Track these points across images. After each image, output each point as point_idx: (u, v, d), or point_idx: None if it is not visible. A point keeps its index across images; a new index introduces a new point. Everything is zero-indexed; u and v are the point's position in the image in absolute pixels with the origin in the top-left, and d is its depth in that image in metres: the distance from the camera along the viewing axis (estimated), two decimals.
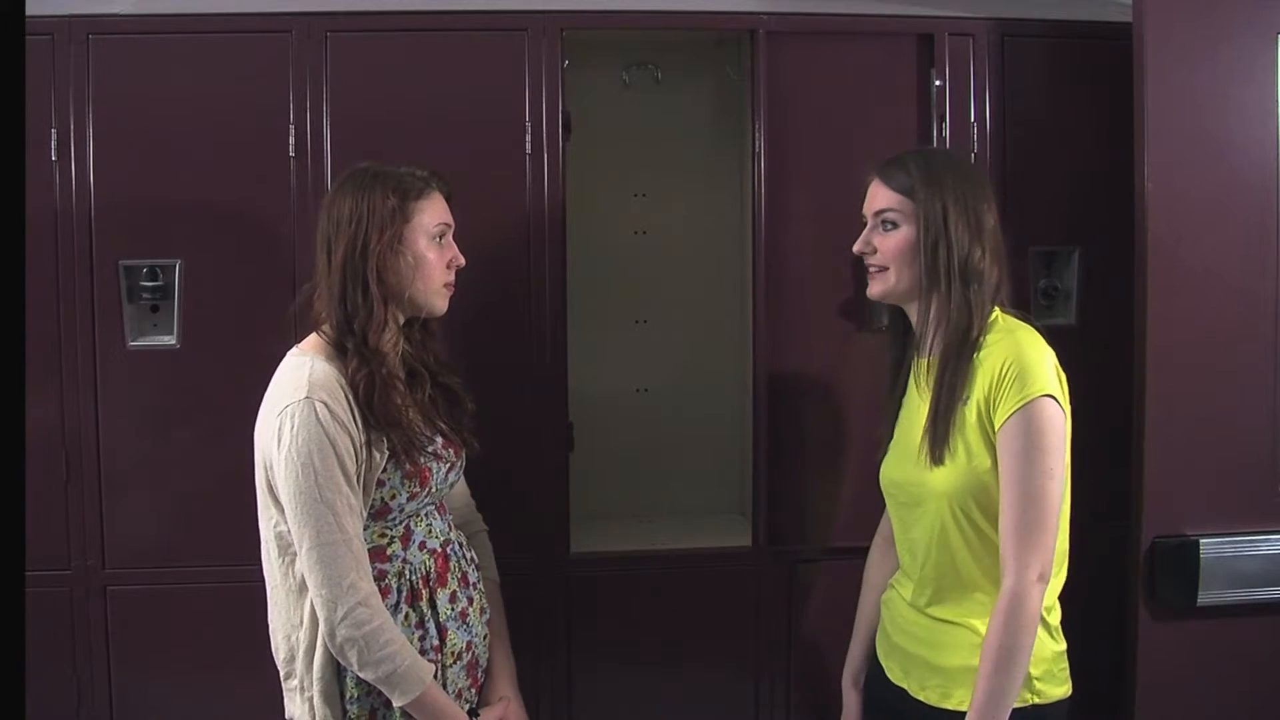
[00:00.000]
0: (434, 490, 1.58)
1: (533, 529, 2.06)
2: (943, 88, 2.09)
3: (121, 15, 1.98)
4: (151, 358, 2.00)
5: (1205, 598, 1.90)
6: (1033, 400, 1.37)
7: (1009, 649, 1.36)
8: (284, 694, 1.55)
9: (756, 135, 2.08)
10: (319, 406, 1.42)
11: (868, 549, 2.12)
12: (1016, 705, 1.39)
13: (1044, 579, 1.37)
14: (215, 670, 2.03)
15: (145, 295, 1.99)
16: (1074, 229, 2.12)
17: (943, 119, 2.09)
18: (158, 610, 2.03)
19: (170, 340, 2.00)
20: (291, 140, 1.99)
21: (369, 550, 1.49)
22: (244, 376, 1.95)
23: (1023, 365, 1.39)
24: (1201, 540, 1.90)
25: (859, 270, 2.10)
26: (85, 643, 2.02)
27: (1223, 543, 1.91)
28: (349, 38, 2.00)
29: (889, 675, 1.58)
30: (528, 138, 2.02)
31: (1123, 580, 1.94)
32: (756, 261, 2.09)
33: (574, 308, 2.09)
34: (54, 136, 1.96)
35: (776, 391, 2.11)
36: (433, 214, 1.56)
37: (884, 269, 1.53)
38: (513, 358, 2.03)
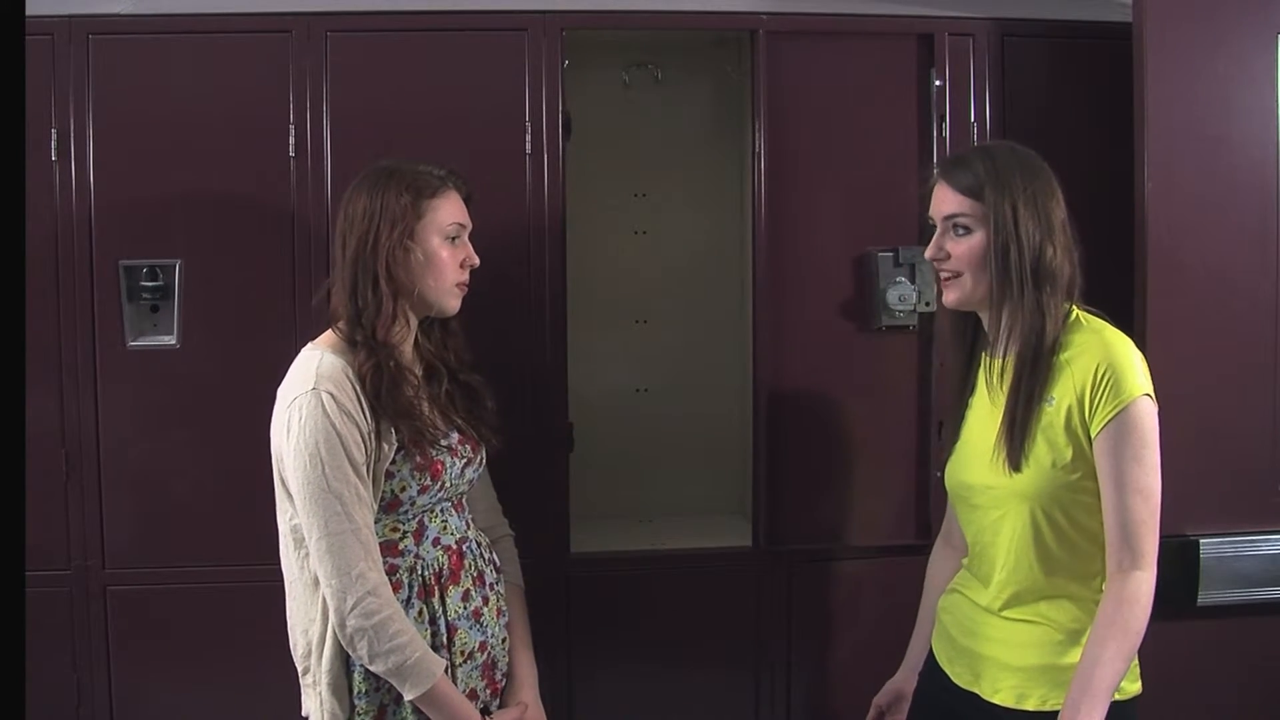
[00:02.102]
0: (448, 485, 1.57)
1: (533, 529, 2.05)
2: (943, 88, 2.09)
3: (121, 15, 1.98)
4: (151, 358, 2.00)
5: (1205, 598, 1.91)
6: (1132, 402, 1.37)
7: (1126, 630, 1.34)
8: (301, 690, 1.55)
9: (756, 135, 2.08)
10: (325, 398, 1.43)
11: (867, 549, 2.14)
12: None
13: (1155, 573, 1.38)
14: (215, 670, 2.03)
15: (145, 295, 1.99)
16: (1074, 229, 2.12)
17: (943, 119, 2.09)
18: (158, 610, 2.03)
19: (170, 340, 2.00)
20: (291, 140, 1.99)
21: (381, 544, 1.49)
22: (244, 376, 1.97)
23: (1117, 368, 1.38)
24: (1201, 540, 1.90)
25: (859, 270, 2.11)
26: (85, 643, 2.02)
27: (1223, 543, 1.91)
28: (349, 38, 2.00)
29: (956, 681, 1.54)
30: (528, 138, 2.02)
31: None
32: (756, 261, 2.09)
33: (574, 308, 2.09)
34: (54, 136, 1.96)
35: (776, 391, 2.11)
36: (447, 212, 1.56)
37: (958, 275, 1.48)
38: (513, 358, 2.03)
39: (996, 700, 1.46)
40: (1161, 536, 1.89)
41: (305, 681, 1.53)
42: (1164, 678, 1.90)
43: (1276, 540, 1.93)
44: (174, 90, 1.98)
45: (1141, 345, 1.88)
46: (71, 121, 1.96)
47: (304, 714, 1.55)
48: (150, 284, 1.98)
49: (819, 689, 2.15)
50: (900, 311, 2.07)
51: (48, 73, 1.95)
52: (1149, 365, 1.85)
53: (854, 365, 2.12)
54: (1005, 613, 1.48)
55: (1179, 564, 1.90)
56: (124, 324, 1.99)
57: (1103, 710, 1.31)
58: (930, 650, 1.63)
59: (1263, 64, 1.92)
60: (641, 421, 2.51)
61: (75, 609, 2.01)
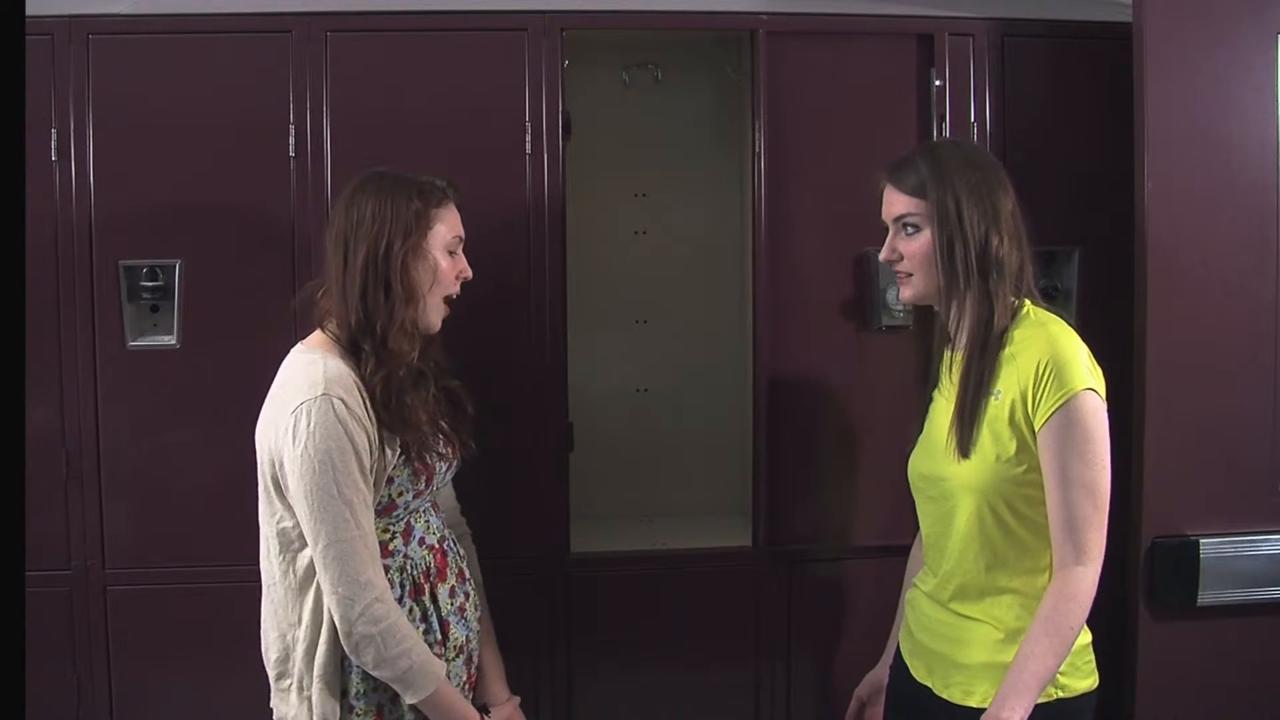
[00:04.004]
0: (434, 488, 1.60)
1: (533, 529, 2.06)
2: (943, 88, 2.09)
3: (121, 15, 1.98)
4: (151, 358, 2.00)
5: (1205, 598, 1.91)
6: (1074, 395, 1.37)
7: (1059, 627, 1.35)
8: (274, 694, 1.54)
9: (756, 135, 2.08)
10: (336, 403, 1.42)
11: (868, 549, 2.14)
12: (1040, 700, 1.39)
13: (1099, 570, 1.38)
14: (215, 670, 2.03)
15: (145, 295, 1.99)
16: (1074, 229, 2.12)
17: (943, 119, 2.09)
18: (158, 610, 2.03)
19: (170, 340, 2.00)
20: (291, 140, 1.99)
21: None
22: (244, 376, 1.95)
23: (1059, 362, 1.38)
24: (1201, 540, 1.90)
25: (859, 270, 2.11)
26: (85, 643, 2.02)
27: (1223, 543, 1.91)
28: (349, 38, 2.00)
29: (914, 674, 1.57)
30: (528, 138, 2.02)
31: (1123, 580, 1.94)
32: (757, 261, 2.09)
33: (574, 307, 2.09)
34: (54, 136, 1.95)
35: (776, 391, 2.11)
36: (450, 224, 1.57)
37: (910, 274, 1.51)
38: (513, 357, 2.03)
39: (946, 696, 1.49)
40: (1162, 536, 1.92)
41: (281, 685, 1.53)
42: (1164, 678, 1.92)
43: (1276, 540, 1.93)
44: (174, 90, 1.98)
45: (1141, 345, 1.89)
46: (71, 121, 1.96)
47: (277, 718, 1.54)
48: (150, 284, 1.98)
49: (819, 688, 2.15)
50: (900, 311, 2.07)
51: (48, 73, 1.95)
52: (1149, 365, 1.86)
53: (854, 365, 2.12)
54: (952, 605, 1.50)
55: (1179, 564, 1.90)
56: (124, 324, 1.99)
57: (1028, 704, 1.33)
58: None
59: (1263, 64, 1.92)
60: (641, 421, 2.51)
61: (75, 609, 2.02)
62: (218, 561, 2.01)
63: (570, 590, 2.10)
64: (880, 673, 1.72)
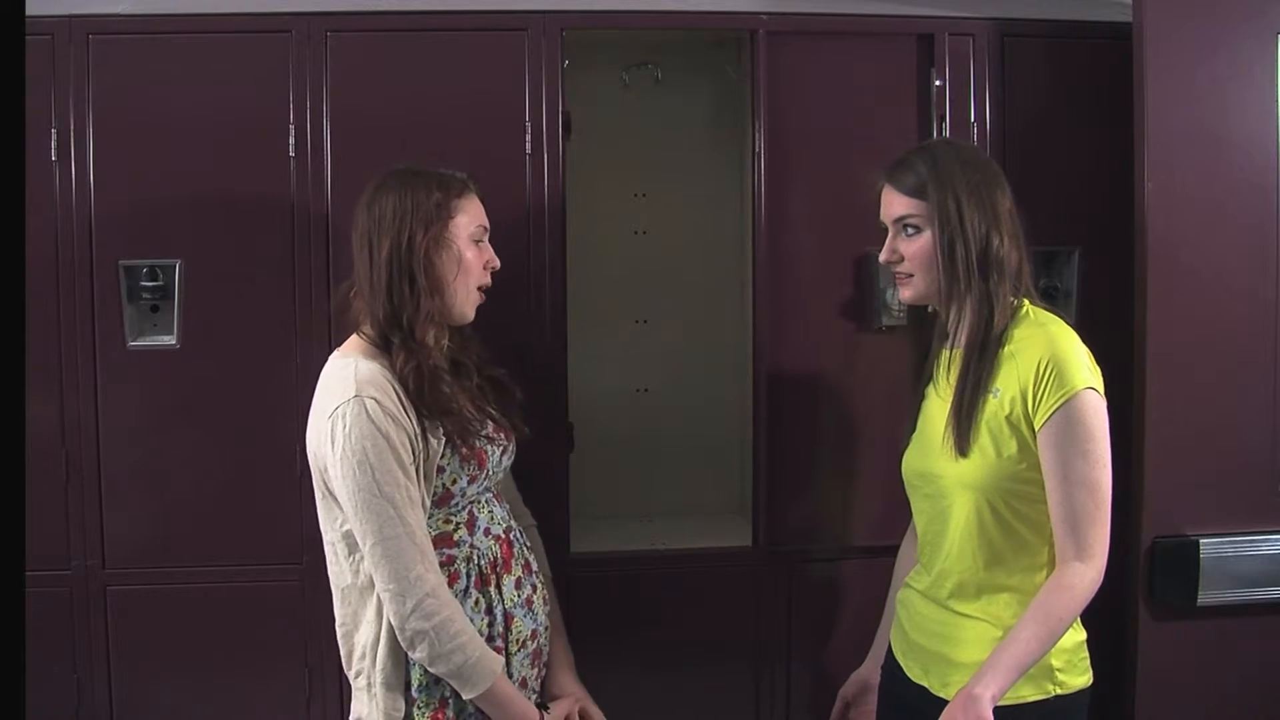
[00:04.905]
0: (491, 473, 1.59)
1: None
2: (943, 88, 2.09)
3: (121, 15, 1.98)
4: (151, 358, 2.00)
5: (1205, 598, 1.91)
6: (1075, 394, 1.37)
7: (1048, 615, 1.35)
8: (353, 694, 1.55)
9: (756, 135, 2.08)
10: (369, 403, 1.43)
11: (867, 549, 2.14)
12: (1038, 697, 1.40)
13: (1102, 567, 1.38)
14: (215, 670, 2.03)
15: (145, 295, 1.99)
16: (1074, 229, 2.12)
17: (943, 119, 2.09)
18: (158, 610, 2.03)
19: (170, 340, 2.00)
20: (291, 140, 1.99)
21: (436, 536, 1.50)
22: (244, 376, 1.98)
23: (1060, 361, 1.39)
24: (1201, 540, 1.91)
25: (859, 270, 2.11)
26: (85, 643, 2.02)
27: (1223, 543, 1.91)
28: (349, 38, 2.00)
29: (909, 674, 1.57)
30: (528, 138, 2.02)
31: (1123, 580, 1.94)
32: (756, 261, 2.09)
33: (574, 308, 2.09)
34: (54, 136, 1.95)
35: (776, 391, 2.11)
36: (472, 214, 1.58)
37: (910, 275, 1.51)
38: (513, 358, 2.02)
39: (944, 695, 1.48)
40: (1162, 536, 1.92)
41: (359, 685, 1.54)
42: (1164, 678, 1.92)
43: (1276, 540, 1.93)
44: (174, 90, 1.98)
45: (1141, 345, 1.89)
46: (71, 121, 1.96)
47: (354, 717, 1.55)
48: (150, 284, 1.98)
49: (819, 689, 2.15)
50: (900, 311, 2.07)
51: (48, 73, 1.95)
52: (1148, 365, 1.86)
53: (854, 365, 2.12)
54: (949, 603, 1.50)
55: (1179, 564, 1.90)
56: (124, 324, 1.99)
57: (1003, 684, 1.32)
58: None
59: (1263, 64, 1.92)
60: (642, 421, 2.51)
61: (75, 609, 2.01)
62: (218, 561, 2.01)
63: (570, 590, 2.10)
64: (866, 672, 1.72)
